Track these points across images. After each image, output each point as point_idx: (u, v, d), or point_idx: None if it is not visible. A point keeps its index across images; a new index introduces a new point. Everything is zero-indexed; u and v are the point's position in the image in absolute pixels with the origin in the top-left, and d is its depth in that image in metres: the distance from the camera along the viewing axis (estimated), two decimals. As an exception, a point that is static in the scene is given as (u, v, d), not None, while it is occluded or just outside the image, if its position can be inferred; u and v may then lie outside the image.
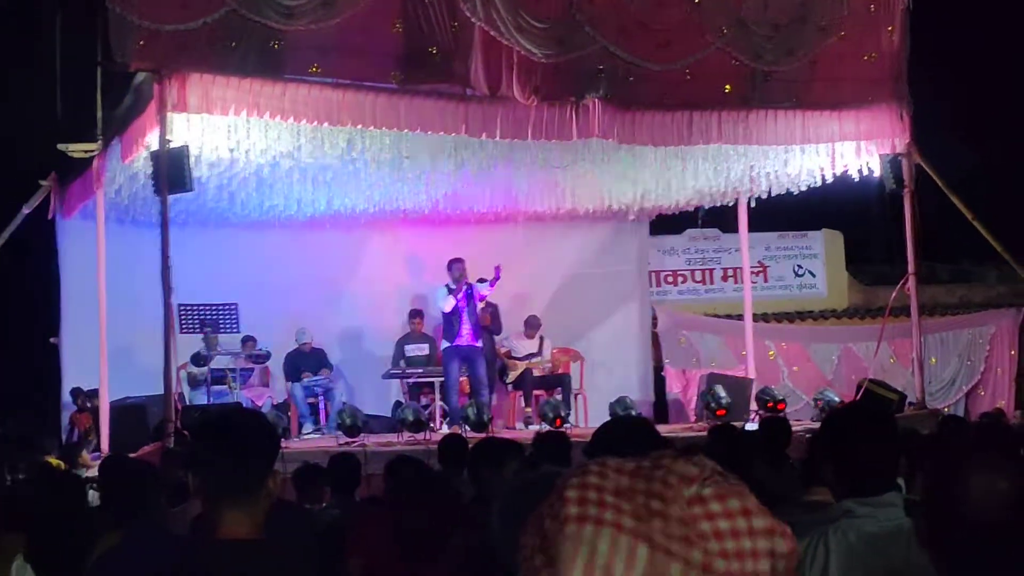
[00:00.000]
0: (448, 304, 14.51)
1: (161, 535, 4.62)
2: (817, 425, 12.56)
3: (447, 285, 14.61)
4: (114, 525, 4.83)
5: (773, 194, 15.45)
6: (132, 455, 9.19)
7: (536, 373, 15.79)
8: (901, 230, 14.73)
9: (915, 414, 13.72)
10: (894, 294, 15.05)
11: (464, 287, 14.51)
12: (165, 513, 5.44)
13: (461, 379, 14.91)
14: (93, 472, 9.88)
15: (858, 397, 14.08)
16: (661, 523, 1.43)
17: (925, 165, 14.36)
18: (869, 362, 16.77)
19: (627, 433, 3.50)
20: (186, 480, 6.39)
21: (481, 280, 14.65)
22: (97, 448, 12.42)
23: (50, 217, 14.51)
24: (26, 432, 12.32)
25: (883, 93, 14.12)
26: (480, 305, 14.96)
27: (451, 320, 14.60)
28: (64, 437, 13.84)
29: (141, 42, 11.21)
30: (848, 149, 14.27)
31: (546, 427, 13.37)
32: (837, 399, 14.45)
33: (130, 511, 4.87)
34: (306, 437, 14.53)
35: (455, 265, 14.67)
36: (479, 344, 14.67)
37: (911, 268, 14.57)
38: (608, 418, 13.69)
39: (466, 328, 14.53)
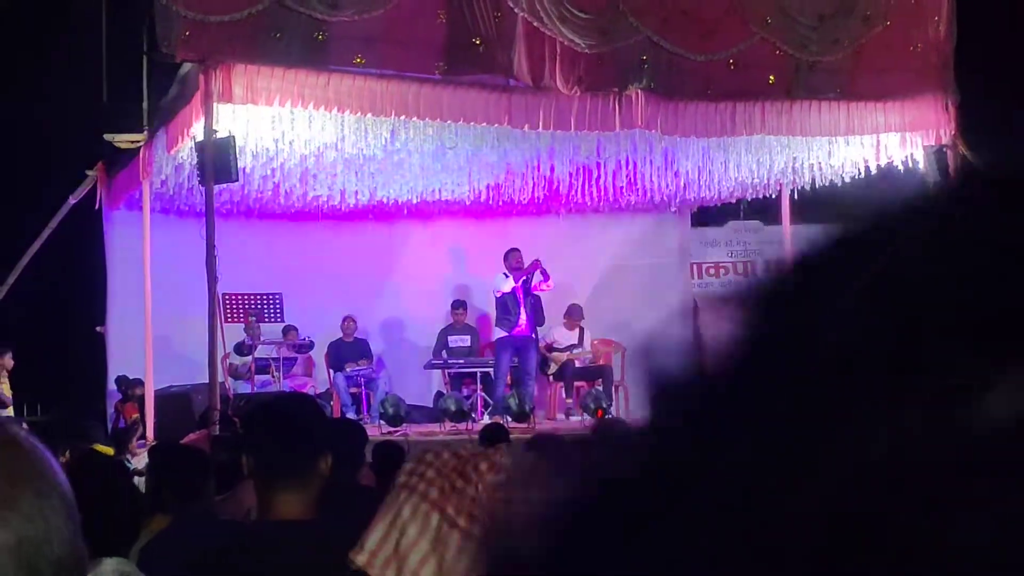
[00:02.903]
0: (507, 285, 14.54)
1: (210, 519, 4.68)
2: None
3: (504, 273, 14.68)
4: (162, 509, 4.88)
5: (816, 186, 15.38)
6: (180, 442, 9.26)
7: (577, 364, 15.79)
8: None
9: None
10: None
11: (523, 277, 14.57)
12: (212, 499, 5.49)
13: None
14: (140, 460, 9.97)
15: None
16: (457, 499, 1.68)
17: (971, 157, 14.25)
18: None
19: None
20: (231, 465, 6.45)
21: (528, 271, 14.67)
22: (143, 437, 12.52)
23: (96, 207, 14.65)
24: (72, 419, 12.43)
25: (929, 84, 13.99)
26: None
27: (508, 308, 14.65)
28: (110, 425, 13.96)
29: (187, 32, 11.28)
30: (893, 140, 14.19)
31: (588, 418, 13.40)
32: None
33: (181, 496, 4.92)
34: (348, 426, 14.58)
35: (511, 254, 14.73)
36: (533, 335, 14.73)
37: (955, 260, 14.45)
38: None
39: (523, 317, 14.60)
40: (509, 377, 15.00)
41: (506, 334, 14.69)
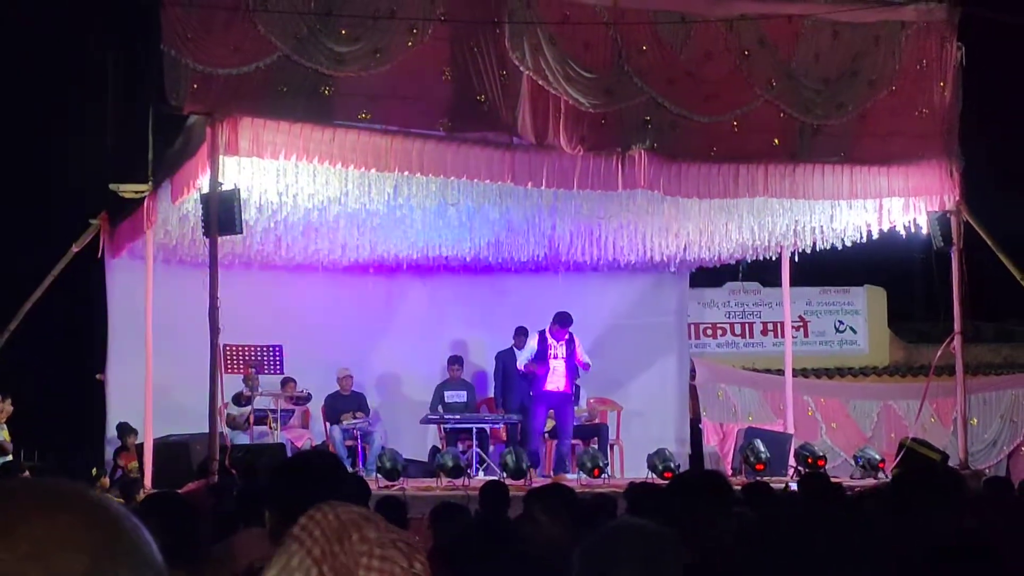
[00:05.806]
0: (525, 358, 14.64)
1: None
2: (860, 484, 12.48)
3: (541, 331, 14.66)
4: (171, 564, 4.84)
5: (817, 249, 15.37)
6: (178, 491, 9.22)
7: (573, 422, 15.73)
8: (945, 287, 14.51)
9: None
10: (939, 353, 14.79)
11: (566, 336, 14.58)
12: (209, 549, 5.45)
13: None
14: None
15: (899, 456, 13.94)
16: (332, 560, 2.08)
17: (974, 223, 14.17)
18: (909, 420, 16.63)
19: (703, 485, 3.55)
20: (230, 515, 6.42)
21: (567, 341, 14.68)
22: (142, 485, 12.47)
23: (99, 256, 14.67)
24: (70, 467, 12.38)
25: (933, 149, 13.92)
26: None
27: (546, 365, 14.57)
28: (108, 473, 13.92)
29: (195, 85, 11.33)
30: (896, 205, 14.10)
31: (583, 476, 13.35)
32: (878, 457, 14.34)
33: (176, 548, 4.88)
34: (344, 480, 14.53)
35: (560, 317, 14.67)
36: (571, 391, 14.75)
37: (957, 327, 14.32)
38: (646, 469, 13.68)
39: (560, 375, 14.59)
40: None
41: (542, 390, 14.61)
